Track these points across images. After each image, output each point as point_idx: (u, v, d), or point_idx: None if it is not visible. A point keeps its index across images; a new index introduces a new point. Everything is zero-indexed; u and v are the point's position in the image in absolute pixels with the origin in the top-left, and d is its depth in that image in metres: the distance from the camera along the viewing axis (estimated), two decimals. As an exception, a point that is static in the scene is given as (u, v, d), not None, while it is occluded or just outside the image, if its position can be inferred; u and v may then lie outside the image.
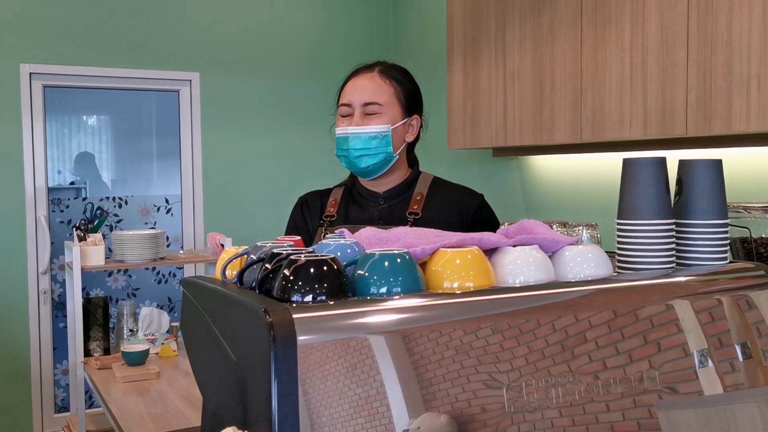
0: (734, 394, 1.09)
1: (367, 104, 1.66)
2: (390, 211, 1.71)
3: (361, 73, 1.71)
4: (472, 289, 0.95)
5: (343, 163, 1.72)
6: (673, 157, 1.12)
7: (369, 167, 1.67)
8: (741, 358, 1.09)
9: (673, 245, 1.10)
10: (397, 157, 1.70)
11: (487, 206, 1.75)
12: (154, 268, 4.46)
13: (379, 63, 1.75)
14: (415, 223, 1.64)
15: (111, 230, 4.29)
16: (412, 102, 1.73)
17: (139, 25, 4.19)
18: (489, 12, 3.37)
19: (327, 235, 1.15)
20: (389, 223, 1.66)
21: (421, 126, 1.77)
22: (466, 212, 1.69)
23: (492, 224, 1.70)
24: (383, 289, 0.91)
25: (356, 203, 1.75)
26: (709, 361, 1.04)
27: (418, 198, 1.69)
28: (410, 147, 1.77)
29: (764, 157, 2.50)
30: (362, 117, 1.67)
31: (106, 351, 3.22)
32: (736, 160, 2.55)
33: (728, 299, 1.07)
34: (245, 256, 1.07)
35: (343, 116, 1.70)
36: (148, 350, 2.88)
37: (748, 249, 1.39)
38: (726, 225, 1.11)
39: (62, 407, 4.20)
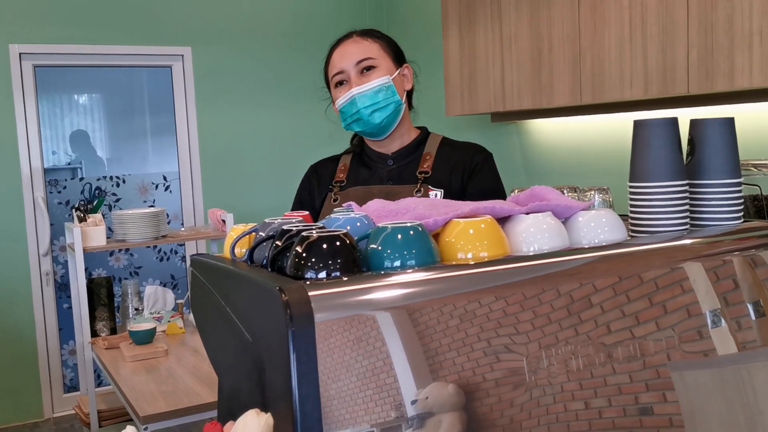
0: (752, 353, 1.08)
1: (360, 62, 1.67)
2: (399, 171, 1.71)
3: (341, 42, 1.73)
4: (486, 260, 0.93)
5: (357, 128, 1.71)
6: (675, 116, 1.10)
7: (383, 121, 1.67)
8: (755, 317, 1.08)
9: (687, 206, 1.09)
10: (404, 106, 1.71)
11: (490, 164, 1.74)
12: (155, 246, 4.45)
13: (353, 31, 1.76)
14: (425, 182, 1.65)
15: (110, 210, 4.27)
16: (398, 52, 1.75)
17: (128, 1, 4.12)
18: (484, -26, 3.32)
19: (336, 209, 1.13)
20: (399, 183, 1.68)
21: (414, 73, 1.78)
22: (468, 167, 1.69)
23: (486, 181, 1.69)
24: (397, 263, 0.90)
25: (365, 166, 1.76)
26: (729, 321, 1.03)
27: (428, 158, 1.70)
28: (409, 100, 1.78)
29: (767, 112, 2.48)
30: (359, 76, 1.67)
31: (113, 331, 3.23)
32: (739, 117, 2.52)
33: (745, 259, 1.06)
34: (254, 233, 1.05)
35: (338, 85, 1.70)
36: (155, 328, 2.88)
37: (758, 206, 1.38)
38: (740, 184, 1.10)
39: (71, 387, 4.23)
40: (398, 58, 1.74)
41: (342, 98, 1.68)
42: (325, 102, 1.83)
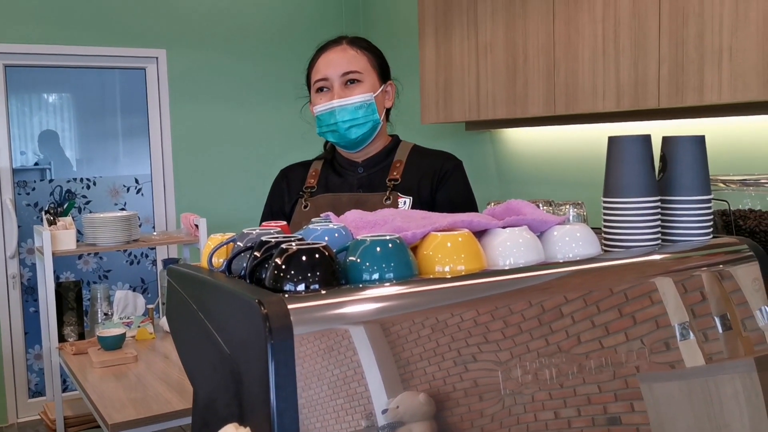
0: (719, 366, 1.11)
1: (346, 74, 1.66)
2: (369, 178, 1.71)
3: (330, 48, 1.70)
4: (463, 273, 0.94)
5: (331, 139, 1.70)
6: (646, 129, 1.13)
7: (359, 137, 1.67)
8: (728, 330, 1.11)
9: (659, 222, 1.11)
10: (381, 124, 1.71)
11: (459, 172, 1.74)
12: (126, 250, 4.40)
13: (343, 37, 1.74)
14: (395, 189, 1.65)
15: (80, 212, 4.22)
16: (384, 69, 1.74)
17: (102, 1, 4.07)
18: (460, -16, 3.34)
19: (313, 219, 1.13)
20: (369, 190, 1.68)
21: (395, 91, 1.78)
22: (438, 174, 1.69)
23: (456, 189, 1.69)
24: (376, 276, 0.90)
25: (336, 173, 1.76)
26: (697, 334, 1.05)
27: (398, 165, 1.70)
28: (387, 114, 1.78)
29: (736, 127, 2.53)
30: (343, 88, 1.66)
31: (81, 336, 3.18)
32: (708, 132, 2.57)
33: (713, 273, 1.09)
34: (232, 243, 1.05)
35: (319, 92, 1.68)
36: (124, 334, 2.85)
37: (726, 222, 1.41)
38: (709, 201, 1.12)
39: (36, 392, 4.15)
40: (383, 74, 1.73)
41: (321, 106, 1.67)
42: (300, 100, 1.82)
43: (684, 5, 2.33)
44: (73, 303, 3.19)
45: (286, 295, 0.82)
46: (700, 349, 1.08)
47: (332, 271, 0.88)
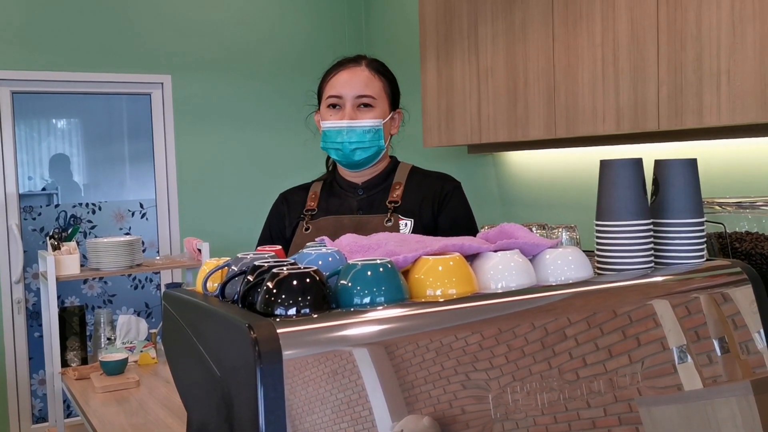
0: (717, 389, 1.10)
1: (360, 97, 1.67)
2: (369, 200, 1.72)
3: (348, 66, 1.71)
4: (454, 296, 0.95)
5: (335, 156, 1.71)
6: (646, 152, 1.14)
7: (362, 160, 1.69)
8: (720, 354, 1.11)
9: (651, 245, 1.11)
10: (385, 149, 1.72)
11: (459, 193, 1.76)
12: (130, 274, 4.42)
13: (362, 56, 1.75)
14: (395, 211, 1.66)
15: (85, 237, 4.24)
16: (395, 96, 1.76)
17: (108, 28, 4.13)
18: (461, 10, 3.38)
19: (308, 244, 1.14)
20: (368, 212, 1.68)
21: (402, 119, 1.79)
22: (439, 197, 1.71)
23: (457, 211, 1.71)
24: (367, 300, 0.91)
25: (336, 195, 1.76)
26: (693, 358, 1.05)
27: (398, 187, 1.71)
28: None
29: (735, 149, 2.54)
30: (354, 110, 1.67)
31: (84, 361, 3.18)
32: (707, 154, 2.58)
33: (708, 297, 1.09)
34: (226, 268, 1.06)
35: (331, 107, 1.70)
36: (126, 359, 2.85)
37: (723, 244, 1.41)
38: (702, 224, 1.13)
39: (40, 417, 4.15)
40: (394, 101, 1.74)
41: (330, 123, 1.68)
42: (308, 108, 1.81)
43: (682, 29, 2.35)
44: (76, 328, 3.20)
45: (277, 320, 0.83)
46: (697, 372, 1.08)
47: (323, 296, 0.89)
